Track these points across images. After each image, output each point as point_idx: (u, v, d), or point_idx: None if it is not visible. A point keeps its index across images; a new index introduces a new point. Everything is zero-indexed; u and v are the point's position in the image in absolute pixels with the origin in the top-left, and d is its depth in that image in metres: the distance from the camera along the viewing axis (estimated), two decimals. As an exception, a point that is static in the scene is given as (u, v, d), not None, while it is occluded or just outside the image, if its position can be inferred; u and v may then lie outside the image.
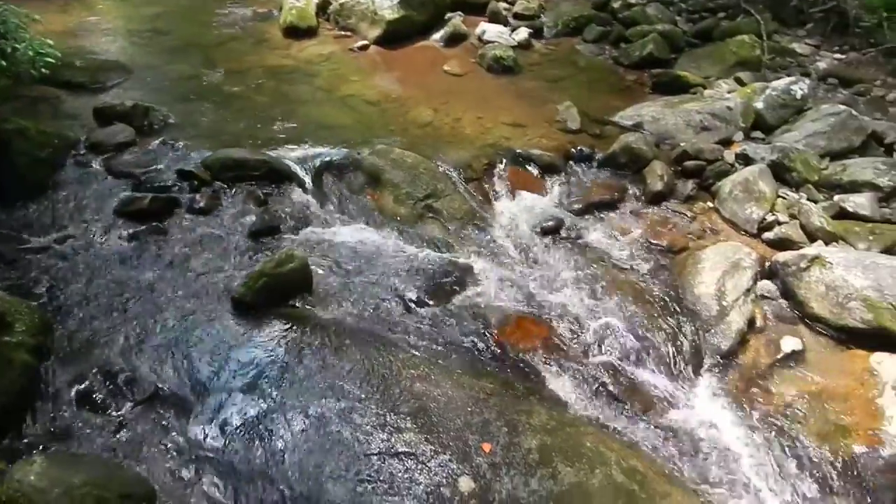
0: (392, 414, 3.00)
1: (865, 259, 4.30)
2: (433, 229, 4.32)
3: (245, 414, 2.92)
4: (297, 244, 3.97)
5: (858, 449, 3.46)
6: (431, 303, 3.76)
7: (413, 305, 3.71)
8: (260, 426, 2.88)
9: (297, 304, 3.55)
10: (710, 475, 3.23)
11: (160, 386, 3.01)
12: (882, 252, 4.53)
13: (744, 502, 3.13)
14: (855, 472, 3.39)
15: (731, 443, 3.38)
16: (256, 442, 2.82)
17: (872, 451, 3.45)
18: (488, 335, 3.62)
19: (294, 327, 3.34)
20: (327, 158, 4.70)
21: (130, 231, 3.88)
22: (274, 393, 3.01)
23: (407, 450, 2.87)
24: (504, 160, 5.01)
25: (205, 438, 2.82)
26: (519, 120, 5.61)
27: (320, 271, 3.78)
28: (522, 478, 2.86)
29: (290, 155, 4.68)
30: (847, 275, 4.15)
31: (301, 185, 4.46)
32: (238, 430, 2.86)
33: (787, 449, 3.42)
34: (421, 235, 4.27)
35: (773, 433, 3.48)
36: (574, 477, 2.92)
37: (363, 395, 3.05)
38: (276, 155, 4.61)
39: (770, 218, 4.79)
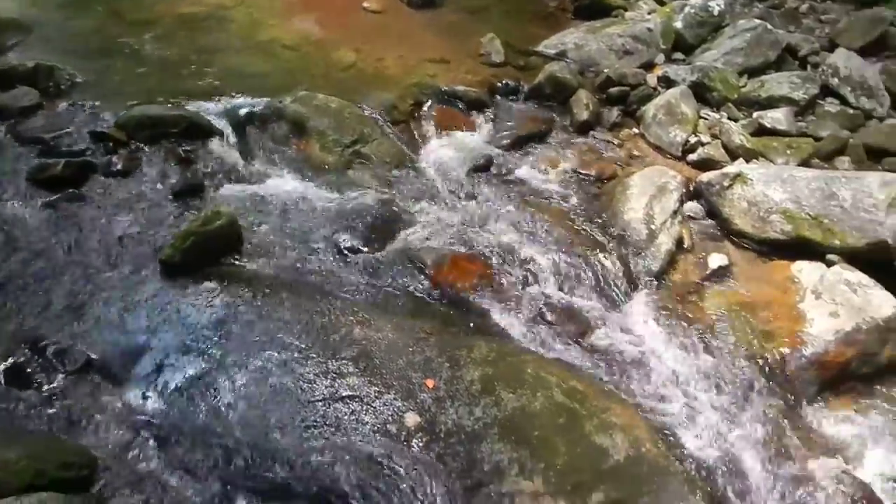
0: (334, 361, 3.02)
1: (784, 173, 4.47)
2: (363, 175, 4.27)
3: (183, 375, 2.88)
4: (224, 201, 3.85)
5: (784, 351, 3.67)
6: (366, 249, 3.75)
7: (347, 253, 3.69)
8: (200, 385, 2.85)
9: (228, 262, 3.48)
10: (647, 388, 3.38)
11: (92, 355, 2.93)
12: (799, 165, 4.72)
13: (678, 409, 3.30)
14: (781, 373, 3.61)
15: (665, 356, 3.54)
16: (197, 401, 2.79)
17: (796, 351, 3.66)
18: (425, 276, 3.65)
19: (226, 284, 3.28)
20: (249, 109, 4.54)
21: (45, 200, 3.68)
22: (211, 351, 2.97)
23: (351, 393, 2.90)
24: (430, 99, 4.96)
25: (144, 403, 2.78)
26: (443, 56, 5.53)
27: (250, 226, 3.70)
28: (466, 408, 2.94)
29: (209, 108, 4.50)
30: (767, 190, 4.32)
31: (223, 138, 4.31)
32: (178, 391, 2.83)
33: (718, 357, 3.60)
34: (351, 182, 4.21)
35: (705, 344, 3.65)
36: (517, 402, 3.01)
37: (303, 346, 3.05)
38: (194, 109, 4.42)
39: (693, 140, 4.92)
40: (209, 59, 5.26)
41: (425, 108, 4.90)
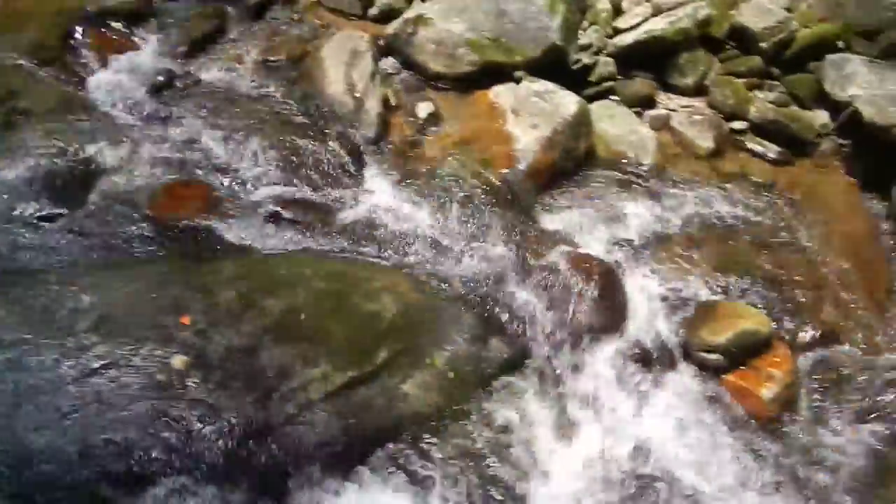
0: (71, 338, 2.72)
1: (458, 4, 4.61)
2: (29, 133, 3.66)
3: None
4: None
5: (503, 171, 4.02)
6: (64, 211, 3.32)
7: (43, 223, 3.25)
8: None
9: None
10: (397, 246, 3.54)
11: None
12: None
13: (429, 254, 3.52)
14: (505, 191, 3.96)
15: (403, 212, 3.71)
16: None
17: (512, 168, 4.04)
18: (142, 216, 3.36)
19: None
20: None
21: None
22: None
23: (104, 362, 2.67)
24: (80, 26, 4.33)
25: None
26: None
27: None
28: (232, 328, 2.87)
29: None
30: (447, 25, 4.48)
31: None
32: None
33: (449, 197, 3.84)
34: (16, 146, 3.58)
35: (435, 189, 3.87)
36: (281, 304, 3.01)
37: (28, 337, 2.68)
38: None
39: (369, -6, 4.87)
40: None
41: (78, 38, 4.29)
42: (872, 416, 3.50)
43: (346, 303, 3.14)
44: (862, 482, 3.21)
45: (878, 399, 3.54)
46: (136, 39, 4.41)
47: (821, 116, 4.76)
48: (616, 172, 4.34)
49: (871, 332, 3.94)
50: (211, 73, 4.27)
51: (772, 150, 4.62)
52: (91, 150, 3.65)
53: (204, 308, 2.94)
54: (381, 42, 4.61)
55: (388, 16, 4.78)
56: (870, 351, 3.81)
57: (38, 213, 3.29)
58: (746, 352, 3.45)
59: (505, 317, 3.32)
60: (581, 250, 3.70)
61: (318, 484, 2.61)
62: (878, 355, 3.79)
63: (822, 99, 4.78)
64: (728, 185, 4.40)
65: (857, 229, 4.46)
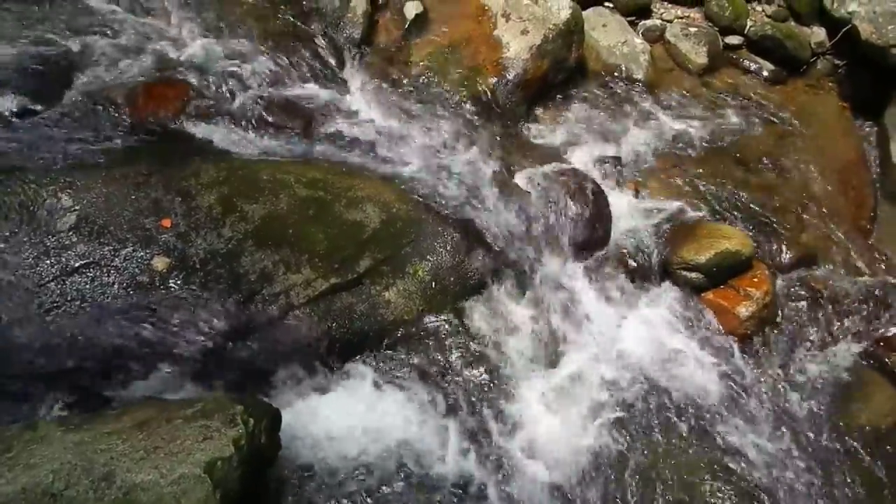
0: (51, 237, 2.70)
1: None
2: (4, 22, 3.51)
3: None
4: None
5: (491, 81, 3.93)
6: (39, 107, 3.21)
7: (15, 119, 3.14)
8: None
9: None
10: (381, 155, 3.49)
11: None
12: None
13: (415, 165, 3.47)
14: (493, 101, 3.88)
15: (389, 120, 3.64)
16: None
17: (501, 78, 3.94)
18: (120, 115, 3.26)
19: None
20: None
21: None
22: None
23: (85, 261, 2.66)
24: None
25: None
26: None
27: None
28: (213, 232, 2.86)
29: None
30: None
31: None
32: None
33: (437, 105, 3.78)
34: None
35: (422, 97, 3.80)
36: (262, 210, 2.99)
37: (6, 234, 2.65)
38: None
39: None
40: None
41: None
42: (844, 336, 3.60)
43: (328, 210, 3.11)
44: (829, 398, 3.33)
45: (851, 320, 3.64)
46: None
47: (818, 34, 4.66)
48: (607, 86, 4.26)
49: (851, 256, 4.00)
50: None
51: (766, 67, 4.55)
52: (68, 43, 3.51)
53: (185, 211, 2.90)
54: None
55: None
56: (848, 274, 3.88)
57: (13, 109, 3.18)
58: (727, 271, 3.50)
59: (489, 229, 3.32)
60: (568, 165, 3.67)
61: (301, 382, 2.67)
62: (856, 278, 3.86)
63: (822, 15, 4.66)
64: (719, 104, 4.34)
65: (845, 153, 4.46)
